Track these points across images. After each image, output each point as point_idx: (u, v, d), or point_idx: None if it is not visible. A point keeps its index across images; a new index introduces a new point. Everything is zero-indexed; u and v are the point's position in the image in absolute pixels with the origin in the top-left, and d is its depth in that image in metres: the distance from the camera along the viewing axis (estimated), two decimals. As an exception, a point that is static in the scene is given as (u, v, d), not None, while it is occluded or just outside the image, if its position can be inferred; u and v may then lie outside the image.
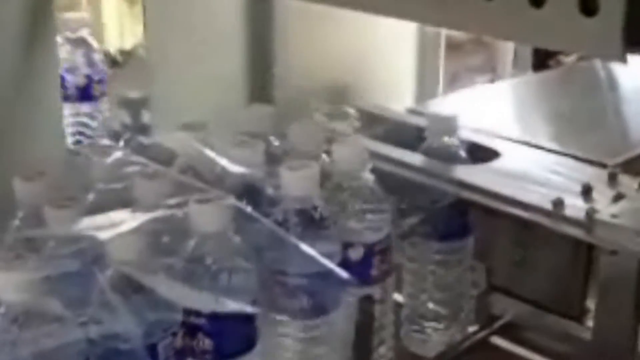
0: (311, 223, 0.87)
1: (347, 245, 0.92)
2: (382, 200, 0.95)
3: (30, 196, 0.87)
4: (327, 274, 0.84)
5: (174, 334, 0.79)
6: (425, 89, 1.57)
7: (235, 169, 0.93)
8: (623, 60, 0.61)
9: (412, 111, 1.26)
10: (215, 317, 0.80)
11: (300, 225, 0.86)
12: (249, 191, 0.91)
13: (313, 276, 0.85)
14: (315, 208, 0.87)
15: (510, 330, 1.10)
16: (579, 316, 1.07)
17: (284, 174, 0.87)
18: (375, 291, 0.96)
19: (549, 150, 1.13)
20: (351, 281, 0.84)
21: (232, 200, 0.82)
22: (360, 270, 0.92)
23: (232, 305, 0.79)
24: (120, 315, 0.74)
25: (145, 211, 0.80)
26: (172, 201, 0.82)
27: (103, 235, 0.75)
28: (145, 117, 1.39)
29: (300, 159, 0.89)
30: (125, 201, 0.84)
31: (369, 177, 0.94)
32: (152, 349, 0.76)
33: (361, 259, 0.93)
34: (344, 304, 0.90)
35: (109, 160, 0.90)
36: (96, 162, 0.91)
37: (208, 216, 0.81)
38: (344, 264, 0.88)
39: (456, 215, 1.07)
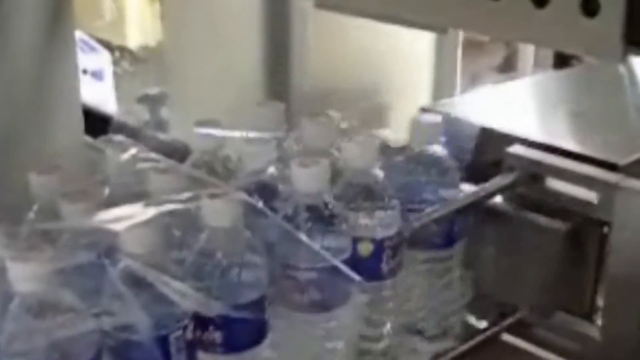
0: (321, 219, 0.88)
1: (356, 241, 0.93)
2: (392, 197, 0.96)
3: (46, 189, 0.89)
4: (337, 268, 0.86)
5: (185, 327, 0.80)
6: (442, 88, 1.57)
7: (249, 165, 0.94)
8: (623, 60, 0.61)
9: (426, 110, 1.26)
10: (226, 310, 0.81)
11: (310, 221, 0.87)
12: (262, 187, 0.92)
13: (323, 270, 0.87)
14: (325, 204, 0.88)
15: (520, 328, 1.10)
16: (588, 314, 1.07)
17: (295, 170, 0.88)
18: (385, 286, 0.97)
19: (560, 151, 1.13)
20: (358, 280, 0.86)
21: (242, 195, 0.83)
22: (370, 266, 0.94)
23: (242, 299, 0.81)
24: (132, 307, 0.75)
25: (157, 205, 0.82)
26: (184, 196, 0.83)
27: (116, 228, 0.77)
28: (164, 113, 1.40)
29: (310, 155, 0.90)
30: (138, 196, 0.85)
31: (379, 173, 0.95)
32: (163, 341, 0.78)
33: (371, 255, 0.94)
34: (353, 298, 0.91)
35: (124, 155, 0.92)
36: (111, 157, 0.93)
37: (219, 211, 0.82)
38: (354, 259, 0.90)
39: (443, 223, 1.05)
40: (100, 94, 1.74)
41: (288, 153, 0.98)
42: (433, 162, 1.06)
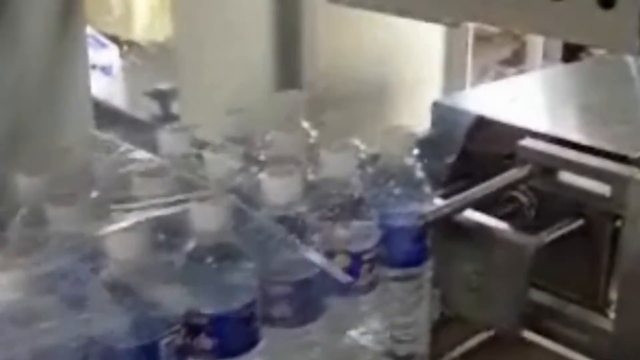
0: (292, 231, 0.84)
1: (332, 254, 0.88)
2: (370, 208, 0.92)
3: (33, 192, 0.86)
4: (313, 280, 0.83)
5: (175, 333, 0.78)
6: (453, 82, 1.57)
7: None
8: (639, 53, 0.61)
9: (437, 104, 1.26)
10: (217, 317, 0.79)
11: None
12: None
13: (298, 283, 0.83)
14: (297, 215, 0.85)
15: (532, 320, 1.10)
16: (601, 307, 1.07)
17: (265, 180, 0.84)
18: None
19: (572, 144, 1.13)
20: (346, 282, 0.84)
21: (232, 198, 0.81)
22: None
23: (232, 305, 0.79)
24: (118, 313, 0.73)
25: (145, 209, 0.81)
26: (172, 199, 0.81)
27: (102, 232, 0.75)
28: (174, 107, 1.40)
29: (281, 165, 0.86)
30: (126, 198, 0.84)
31: (357, 183, 0.91)
32: (152, 347, 0.76)
33: (347, 269, 0.89)
34: (330, 310, 0.88)
35: (112, 156, 0.90)
36: (99, 158, 0.91)
37: (207, 214, 0.79)
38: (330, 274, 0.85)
39: (412, 240, 0.98)
40: (109, 88, 1.74)
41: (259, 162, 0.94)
42: (403, 174, 0.97)
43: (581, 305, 1.09)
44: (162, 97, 1.42)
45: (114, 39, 1.86)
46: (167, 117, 1.40)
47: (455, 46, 1.58)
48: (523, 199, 1.13)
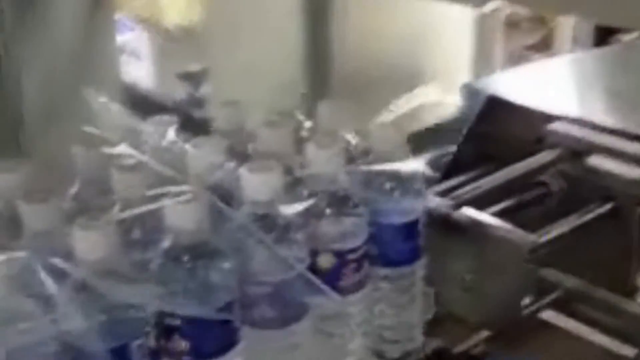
0: (274, 228, 0.81)
1: (316, 253, 0.85)
2: (358, 205, 0.88)
3: (8, 188, 0.82)
4: (295, 280, 0.81)
5: (148, 334, 0.75)
6: (482, 67, 1.57)
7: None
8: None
9: (467, 87, 1.26)
10: (192, 318, 0.76)
11: (261, 230, 0.80)
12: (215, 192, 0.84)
13: (279, 284, 0.81)
14: (279, 212, 0.81)
15: (560, 305, 1.10)
16: (631, 291, 1.07)
17: (244, 176, 0.81)
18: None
19: (602, 128, 1.12)
20: (321, 288, 0.81)
21: (209, 196, 0.78)
22: (331, 280, 0.86)
23: (207, 305, 0.76)
24: (88, 314, 0.71)
25: (121, 205, 0.79)
26: (149, 195, 0.79)
27: (74, 231, 0.72)
28: (203, 90, 1.41)
29: (265, 160, 0.83)
30: (105, 194, 0.81)
31: (344, 180, 0.87)
32: (123, 349, 0.73)
33: (332, 268, 0.87)
34: (311, 312, 0.85)
35: (93, 151, 0.86)
36: (80, 153, 0.87)
37: (182, 212, 0.76)
38: (313, 273, 0.83)
39: (404, 238, 0.94)
40: (138, 72, 1.75)
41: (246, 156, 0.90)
42: (396, 171, 0.92)
43: (610, 289, 1.08)
44: (193, 79, 1.43)
45: (144, 23, 1.87)
46: (196, 100, 1.41)
47: (485, 32, 1.58)
48: (552, 182, 1.13)
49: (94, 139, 0.86)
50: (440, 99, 1.21)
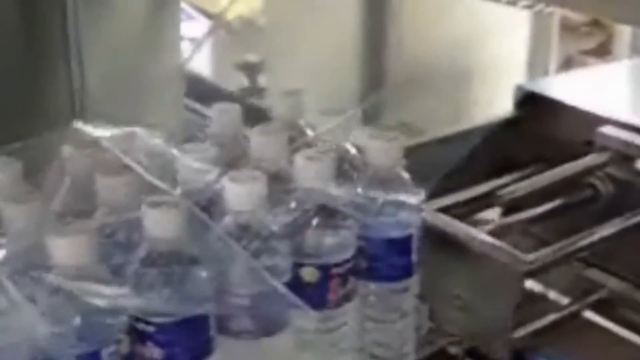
0: (256, 239, 0.79)
1: (299, 266, 0.83)
2: (347, 218, 0.85)
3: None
4: (273, 293, 0.78)
5: (118, 340, 0.74)
6: (536, 69, 1.58)
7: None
8: None
9: (520, 88, 1.27)
10: (166, 325, 0.75)
11: (242, 241, 0.79)
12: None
13: (256, 296, 0.79)
14: (262, 224, 0.80)
15: (602, 306, 1.11)
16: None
17: (227, 186, 0.79)
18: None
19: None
20: (298, 304, 0.78)
21: (188, 204, 0.77)
22: (315, 295, 0.83)
23: (181, 313, 0.75)
24: (63, 319, 0.70)
25: (104, 210, 0.79)
26: (133, 201, 0.78)
27: (50, 236, 0.71)
28: (262, 80, 1.43)
29: (256, 168, 0.81)
30: (92, 197, 0.81)
31: (334, 192, 0.84)
32: (94, 357, 0.71)
33: (317, 282, 0.84)
34: (292, 324, 0.82)
35: (82, 153, 0.85)
36: (70, 154, 0.85)
37: (159, 220, 0.75)
38: (295, 286, 0.80)
39: (396, 253, 0.90)
40: (197, 60, 1.77)
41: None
42: (390, 181, 0.89)
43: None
44: (251, 70, 1.45)
45: (204, 13, 1.90)
46: (254, 90, 1.43)
47: (541, 34, 1.58)
48: (600, 185, 1.14)
49: (86, 139, 0.85)
50: (493, 99, 1.22)
